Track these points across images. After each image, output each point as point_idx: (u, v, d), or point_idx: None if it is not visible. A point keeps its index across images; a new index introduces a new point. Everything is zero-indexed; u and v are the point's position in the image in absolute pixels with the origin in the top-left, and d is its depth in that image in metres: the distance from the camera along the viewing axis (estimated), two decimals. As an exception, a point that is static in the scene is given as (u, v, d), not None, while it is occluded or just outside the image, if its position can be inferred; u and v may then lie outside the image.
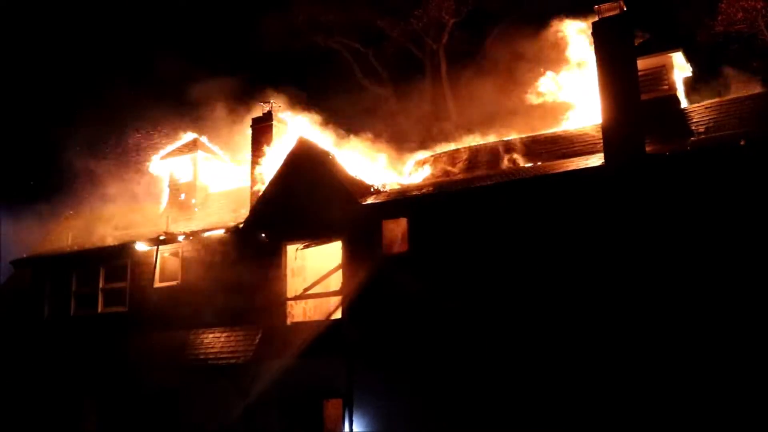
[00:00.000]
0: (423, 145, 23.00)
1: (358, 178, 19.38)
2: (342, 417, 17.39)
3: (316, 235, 18.95)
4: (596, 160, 16.45)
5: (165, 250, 21.14)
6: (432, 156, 21.07)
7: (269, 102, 21.52)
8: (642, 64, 17.09)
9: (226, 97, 27.88)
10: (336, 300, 18.85)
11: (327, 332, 17.84)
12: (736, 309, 13.97)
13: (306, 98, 22.28)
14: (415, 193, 18.08)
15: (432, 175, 20.17)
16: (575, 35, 21.05)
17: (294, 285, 19.29)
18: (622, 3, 16.81)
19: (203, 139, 24.53)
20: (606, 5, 16.80)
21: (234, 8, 37.54)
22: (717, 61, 26.17)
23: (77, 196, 27.27)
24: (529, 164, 18.46)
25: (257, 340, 18.68)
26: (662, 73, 17.96)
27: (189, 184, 23.27)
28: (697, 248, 14.56)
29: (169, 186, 23.66)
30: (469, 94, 29.35)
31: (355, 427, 17.09)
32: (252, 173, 20.81)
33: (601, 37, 16.59)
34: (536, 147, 19.30)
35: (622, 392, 14.55)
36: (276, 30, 33.58)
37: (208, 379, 19.01)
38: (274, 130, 20.89)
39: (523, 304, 15.82)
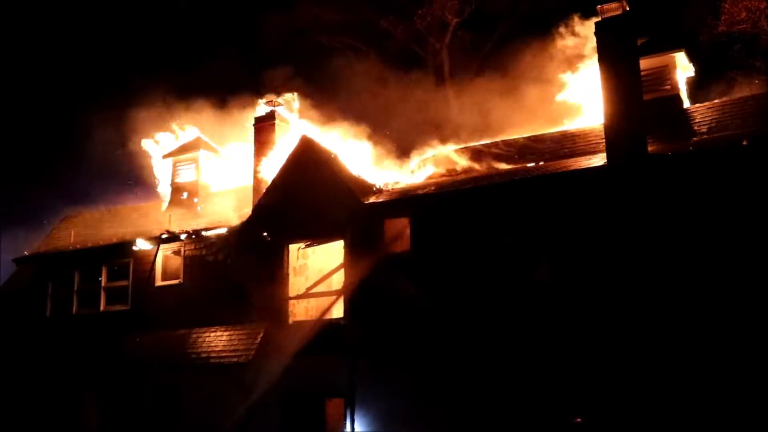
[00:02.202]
0: (426, 145, 22.96)
1: (360, 177, 19.39)
2: (344, 416, 17.37)
3: (318, 234, 18.96)
4: (599, 159, 16.44)
5: (167, 248, 21.18)
6: (434, 155, 21.05)
7: (272, 101, 21.52)
8: (645, 63, 17.09)
9: (228, 96, 27.91)
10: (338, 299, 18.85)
11: (329, 331, 17.83)
12: (740, 308, 13.93)
13: (309, 97, 22.25)
14: (417, 192, 18.06)
15: (434, 174, 20.16)
16: (578, 35, 21.04)
17: (296, 284, 19.32)
18: (624, 3, 16.80)
19: (205, 138, 24.57)
20: (609, 5, 16.80)
21: (238, 6, 37.65)
22: (720, 61, 26.14)
23: (80, 194, 27.30)
24: (532, 164, 18.45)
25: (259, 339, 18.68)
26: (665, 73, 17.98)
27: (191, 183, 23.31)
28: (700, 248, 14.53)
29: (172, 185, 23.71)
30: (473, 93, 29.34)
31: (356, 427, 17.08)
32: (254, 172, 20.82)
33: (603, 36, 16.56)
34: (539, 146, 19.29)
35: (621, 392, 14.53)
36: (279, 29, 33.65)
37: (209, 378, 19.02)
38: (277, 129, 20.91)
39: (527, 303, 15.79)
